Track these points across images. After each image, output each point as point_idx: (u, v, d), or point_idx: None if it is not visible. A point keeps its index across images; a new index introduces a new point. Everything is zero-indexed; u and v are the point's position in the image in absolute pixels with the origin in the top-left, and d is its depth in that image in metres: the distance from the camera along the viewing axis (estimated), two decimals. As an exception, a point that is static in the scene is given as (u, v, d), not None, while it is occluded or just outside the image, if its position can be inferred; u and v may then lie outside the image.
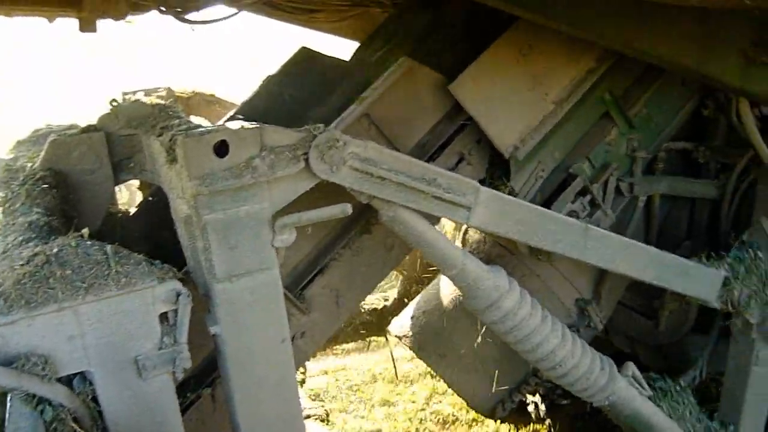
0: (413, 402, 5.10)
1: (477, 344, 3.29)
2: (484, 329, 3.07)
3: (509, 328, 2.44)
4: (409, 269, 5.18)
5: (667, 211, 3.69)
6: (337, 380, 5.69)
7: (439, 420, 4.70)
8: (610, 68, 3.00)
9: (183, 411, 2.46)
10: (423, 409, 4.89)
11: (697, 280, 2.82)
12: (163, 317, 1.85)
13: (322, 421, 4.05)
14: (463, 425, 4.76)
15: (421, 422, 5.02)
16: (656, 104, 3.28)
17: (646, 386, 2.95)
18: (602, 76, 2.98)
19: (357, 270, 2.74)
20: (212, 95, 5.42)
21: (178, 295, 1.81)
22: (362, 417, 5.13)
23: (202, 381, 2.56)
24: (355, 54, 3.56)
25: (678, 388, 3.18)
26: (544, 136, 2.91)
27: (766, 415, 3.22)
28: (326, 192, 2.05)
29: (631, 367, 2.88)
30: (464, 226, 3.72)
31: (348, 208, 1.97)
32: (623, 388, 2.77)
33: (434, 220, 2.62)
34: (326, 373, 5.75)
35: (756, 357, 3.02)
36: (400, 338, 3.78)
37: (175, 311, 1.84)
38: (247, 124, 1.89)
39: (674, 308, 3.63)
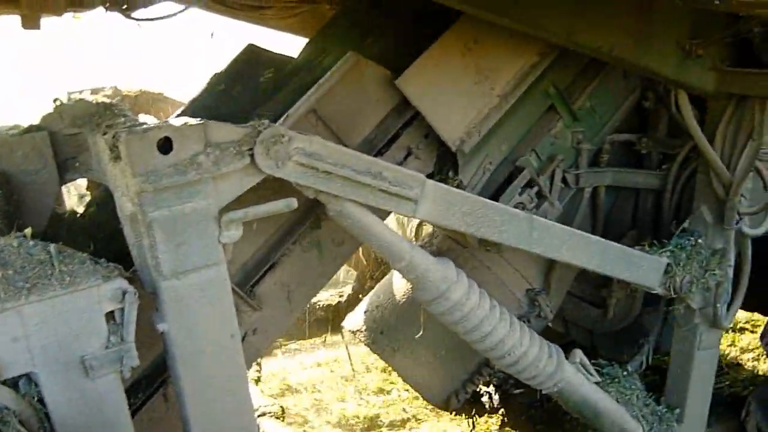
0: (407, 390, 5.14)
1: (429, 337, 3.33)
2: (434, 322, 3.11)
3: (458, 319, 2.48)
4: (365, 265, 5.21)
5: (612, 202, 3.77)
6: (332, 371, 5.71)
7: (433, 407, 4.76)
8: (554, 62, 3.04)
9: (135, 411, 2.45)
10: (417, 398, 4.94)
11: (640, 267, 2.90)
12: (110, 316, 1.84)
13: (278, 418, 4.05)
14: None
15: (416, 409, 5.07)
16: (599, 97, 3.34)
17: (594, 372, 3.02)
18: (546, 70, 3.03)
19: (307, 265, 2.74)
20: (160, 94, 5.36)
21: (124, 293, 1.81)
22: (359, 405, 5.17)
23: (154, 381, 2.54)
24: (303, 50, 3.56)
25: (625, 373, 3.26)
26: (490, 130, 2.95)
27: (710, 396, 3.33)
28: (276, 187, 2.06)
29: (579, 354, 2.94)
30: (417, 221, 3.76)
31: (293, 203, 1.98)
32: (571, 375, 2.83)
33: (383, 214, 2.65)
34: (320, 365, 5.77)
35: (699, 341, 3.12)
36: (354, 333, 3.80)
37: (122, 310, 1.83)
38: (191, 121, 1.88)
39: (621, 296, 3.72)
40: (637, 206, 3.76)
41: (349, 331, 3.86)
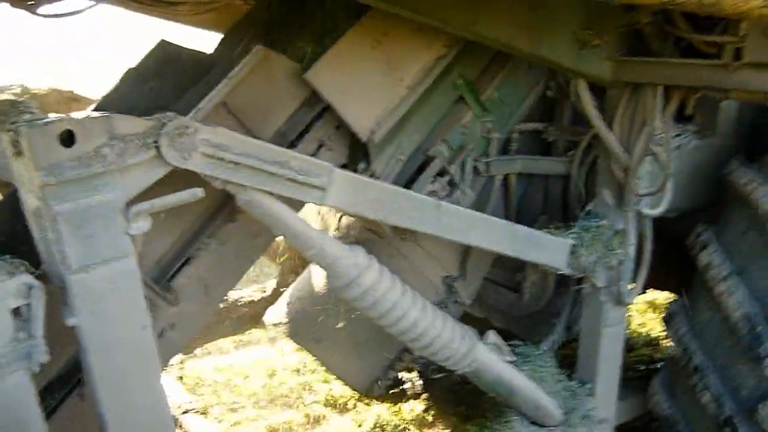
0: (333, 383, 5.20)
1: (349, 325, 3.39)
2: (354, 311, 3.17)
3: (370, 304, 2.54)
4: (287, 259, 5.23)
5: (523, 189, 3.92)
6: (256, 368, 5.71)
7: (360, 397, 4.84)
8: (461, 54, 3.14)
9: (51, 412, 2.43)
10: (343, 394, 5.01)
11: (547, 249, 3.03)
12: (17, 312, 1.83)
13: (202, 414, 4.05)
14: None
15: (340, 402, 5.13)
16: (507, 88, 3.46)
17: (508, 352, 3.13)
18: (454, 62, 3.12)
19: (224, 259, 2.76)
20: (71, 92, 5.25)
21: (30, 288, 1.80)
22: (284, 400, 5.20)
23: (70, 380, 2.53)
24: (218, 46, 3.57)
25: (539, 352, 3.40)
26: (401, 121, 3.02)
27: (619, 370, 3.49)
28: (189, 180, 2.07)
29: (492, 335, 3.05)
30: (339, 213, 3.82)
31: (198, 192, 2.00)
32: (485, 355, 2.94)
33: (297, 205, 2.70)
34: (244, 362, 5.76)
35: (605, 318, 3.27)
36: (276, 326, 3.84)
37: (28, 305, 1.83)
38: (94, 113, 1.89)
39: (535, 279, 3.87)
40: (547, 192, 3.91)
41: (271, 324, 3.89)
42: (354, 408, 4.93)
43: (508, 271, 4.08)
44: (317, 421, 4.89)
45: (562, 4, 2.70)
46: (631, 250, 3.17)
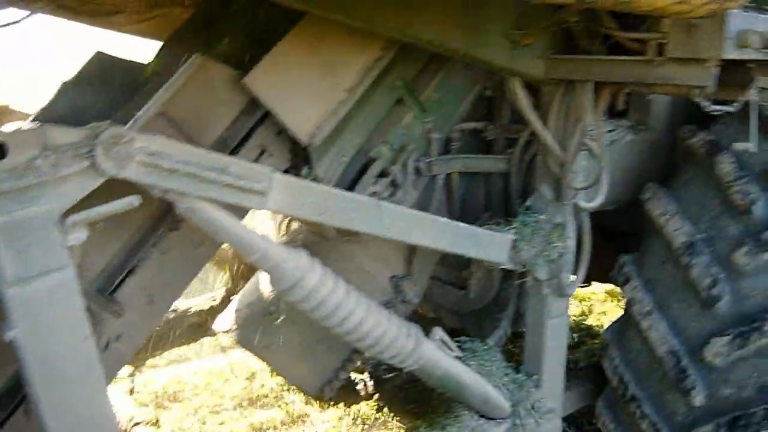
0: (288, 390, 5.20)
1: (298, 329, 3.41)
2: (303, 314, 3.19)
3: (315, 306, 2.57)
4: (236, 267, 5.21)
5: (465, 187, 3.99)
6: (209, 377, 5.67)
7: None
8: (399, 56, 3.18)
9: (-2, 429, 2.40)
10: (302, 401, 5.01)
11: (488, 245, 3.09)
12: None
13: (153, 424, 4.01)
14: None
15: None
16: (446, 88, 3.52)
17: (455, 348, 3.19)
18: (392, 63, 3.16)
19: (168, 268, 2.76)
20: (5, 106, 5.14)
21: (-34, 303, 1.78)
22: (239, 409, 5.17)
23: (15, 396, 2.50)
24: (157, 55, 3.55)
25: (485, 347, 3.46)
26: (342, 124, 3.06)
27: (565, 361, 3.57)
28: (131, 190, 2.07)
29: (438, 332, 3.10)
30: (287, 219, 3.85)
31: (135, 200, 2.00)
32: (431, 352, 2.99)
33: (242, 211, 2.72)
34: (196, 372, 5.73)
35: (549, 310, 3.35)
36: (226, 333, 3.83)
37: (-37, 320, 1.81)
38: (26, 125, 1.88)
39: (480, 276, 3.94)
40: (489, 190, 3.99)
41: (221, 332, 3.88)
42: (334, 405, 4.94)
43: (455, 269, 4.15)
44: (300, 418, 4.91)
45: (494, 5, 2.77)
46: (571, 243, 3.26)
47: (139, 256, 2.73)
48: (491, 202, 3.98)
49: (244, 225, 2.38)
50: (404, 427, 4.51)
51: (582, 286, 4.98)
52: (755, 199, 3.13)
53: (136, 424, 3.91)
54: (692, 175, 3.52)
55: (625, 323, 3.64)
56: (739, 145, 2.78)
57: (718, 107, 2.69)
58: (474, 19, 2.78)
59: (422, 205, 3.60)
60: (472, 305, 4.07)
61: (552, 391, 3.54)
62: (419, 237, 2.83)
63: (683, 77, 2.57)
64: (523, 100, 3.08)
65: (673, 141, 3.83)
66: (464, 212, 3.96)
